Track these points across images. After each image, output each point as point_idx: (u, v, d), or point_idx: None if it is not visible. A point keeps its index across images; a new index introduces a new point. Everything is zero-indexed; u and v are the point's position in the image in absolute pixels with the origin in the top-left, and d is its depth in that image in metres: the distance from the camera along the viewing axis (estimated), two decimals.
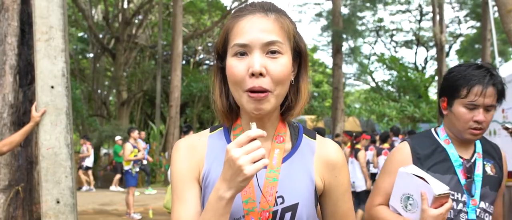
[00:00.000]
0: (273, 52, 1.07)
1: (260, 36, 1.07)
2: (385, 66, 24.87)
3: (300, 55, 1.17)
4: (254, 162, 0.97)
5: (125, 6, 22.66)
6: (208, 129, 1.26)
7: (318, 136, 1.25)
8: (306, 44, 1.20)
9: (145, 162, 10.07)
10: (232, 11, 1.19)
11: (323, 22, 25.60)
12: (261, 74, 1.05)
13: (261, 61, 1.06)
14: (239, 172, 0.97)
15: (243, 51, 1.08)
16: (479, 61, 2.29)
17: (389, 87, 23.91)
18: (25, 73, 3.82)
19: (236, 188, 1.00)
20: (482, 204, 1.84)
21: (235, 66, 1.08)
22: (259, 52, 1.06)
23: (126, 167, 9.01)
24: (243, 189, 1.01)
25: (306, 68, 1.18)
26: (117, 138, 13.25)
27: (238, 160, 0.96)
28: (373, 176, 8.50)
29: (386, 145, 8.83)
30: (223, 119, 1.21)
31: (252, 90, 1.06)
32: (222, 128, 1.24)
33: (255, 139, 0.99)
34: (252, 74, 1.05)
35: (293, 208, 1.12)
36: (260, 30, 1.07)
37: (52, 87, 3.12)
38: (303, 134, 1.23)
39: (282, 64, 1.08)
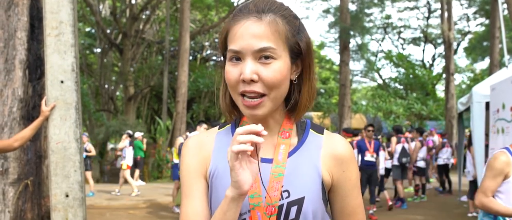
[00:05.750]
0: (266, 57, 1.07)
1: (252, 43, 1.06)
2: (392, 63, 24.79)
3: (301, 54, 1.14)
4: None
5: (133, 1, 22.72)
6: (217, 127, 1.27)
7: (326, 131, 1.24)
8: (310, 40, 1.17)
9: None
10: (234, 10, 1.18)
11: (331, 18, 25.51)
12: (252, 80, 1.07)
13: (252, 68, 1.06)
14: (230, 168, 1.01)
15: (238, 56, 1.09)
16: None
17: (396, 84, 23.83)
18: (35, 68, 3.84)
19: (234, 186, 1.02)
20: None
21: (230, 71, 1.10)
22: (251, 59, 1.07)
23: (176, 161, 9.09)
24: (241, 189, 1.02)
25: (308, 67, 1.16)
26: (138, 134, 13.37)
27: (227, 156, 1.01)
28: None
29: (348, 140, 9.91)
30: (227, 116, 1.23)
31: (244, 94, 1.08)
32: (230, 125, 1.25)
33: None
34: (244, 80, 1.07)
35: (299, 202, 1.12)
36: (251, 36, 1.07)
37: (62, 81, 3.14)
38: (310, 129, 1.23)
39: (275, 70, 1.07)
